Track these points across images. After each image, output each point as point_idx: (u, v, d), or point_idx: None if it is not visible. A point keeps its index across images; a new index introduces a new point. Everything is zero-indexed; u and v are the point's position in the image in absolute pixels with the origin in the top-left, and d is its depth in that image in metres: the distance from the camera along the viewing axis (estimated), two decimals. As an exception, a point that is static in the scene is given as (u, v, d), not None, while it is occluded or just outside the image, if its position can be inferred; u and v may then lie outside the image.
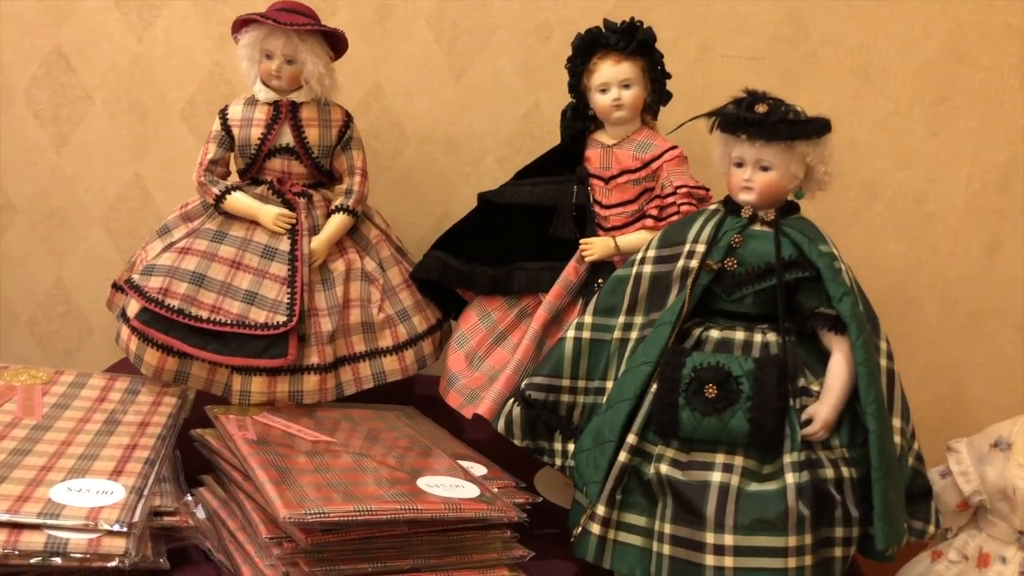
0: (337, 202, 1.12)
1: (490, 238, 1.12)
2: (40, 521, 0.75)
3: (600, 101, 1.05)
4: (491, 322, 1.11)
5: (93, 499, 0.79)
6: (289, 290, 1.05)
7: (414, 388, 1.31)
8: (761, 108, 0.85)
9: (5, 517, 0.74)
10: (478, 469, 0.98)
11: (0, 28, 1.39)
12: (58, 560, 0.73)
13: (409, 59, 1.35)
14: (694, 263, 0.88)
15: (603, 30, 1.05)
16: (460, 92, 1.36)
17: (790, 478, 0.79)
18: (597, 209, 1.07)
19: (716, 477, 0.81)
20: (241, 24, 1.08)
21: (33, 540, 0.73)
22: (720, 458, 0.82)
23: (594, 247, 1.04)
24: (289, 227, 1.08)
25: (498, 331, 1.10)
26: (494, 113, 1.37)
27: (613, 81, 1.04)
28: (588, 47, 1.06)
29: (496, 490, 0.91)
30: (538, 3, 1.31)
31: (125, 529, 0.76)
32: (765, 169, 0.87)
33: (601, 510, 0.85)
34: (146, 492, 0.83)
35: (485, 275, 1.11)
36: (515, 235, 1.10)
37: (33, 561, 0.73)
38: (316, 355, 1.05)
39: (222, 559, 0.85)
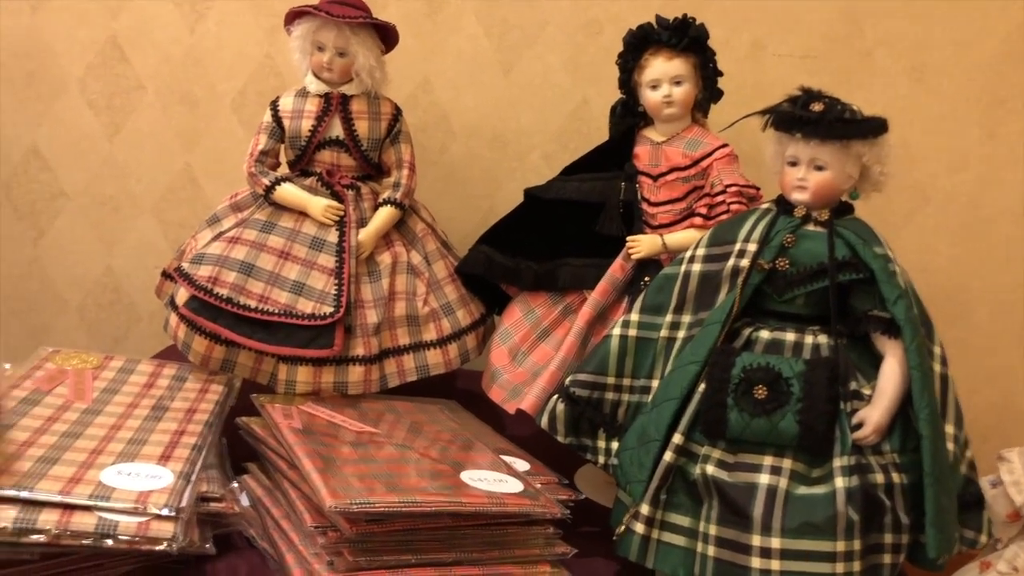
0: (385, 195, 1.13)
1: (536, 234, 1.11)
2: (91, 503, 0.76)
3: (651, 98, 1.04)
4: (535, 318, 1.11)
5: (142, 483, 0.80)
6: (336, 281, 1.05)
7: (455, 382, 1.31)
8: (817, 106, 0.84)
9: (58, 498, 0.75)
10: (521, 464, 0.98)
11: (56, 18, 1.41)
12: (108, 542, 0.74)
13: (458, 53, 1.36)
14: (745, 262, 0.87)
15: (655, 26, 1.04)
16: (508, 87, 1.36)
17: (840, 482, 0.78)
18: (645, 206, 1.06)
19: (764, 479, 0.80)
20: (294, 16, 1.08)
21: (84, 521, 0.74)
22: (768, 460, 0.81)
23: (641, 245, 1.04)
24: (337, 219, 1.09)
25: (542, 327, 1.10)
26: (542, 109, 1.37)
27: (664, 78, 1.03)
28: (640, 43, 1.05)
29: (539, 486, 0.91)
30: (588, -1, 1.31)
31: (173, 514, 0.77)
32: (820, 168, 0.86)
33: (645, 509, 0.84)
34: (193, 478, 0.84)
35: (530, 271, 1.10)
36: (561, 231, 1.10)
37: (84, 542, 0.74)
38: (361, 347, 1.05)
39: (266, 546, 0.85)
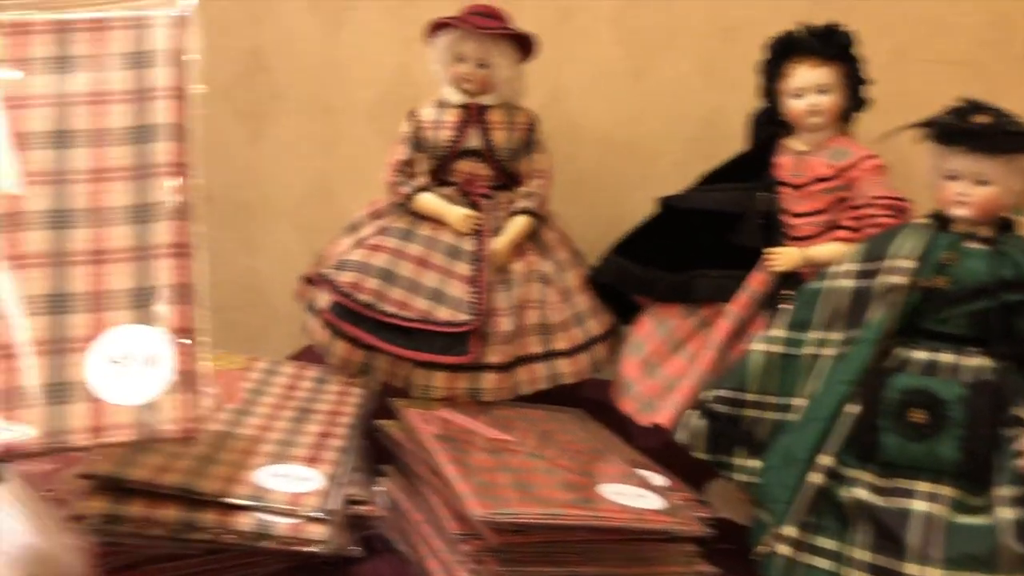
0: (520, 204, 1.14)
1: (670, 244, 1.10)
2: (250, 503, 0.79)
3: (794, 106, 1.02)
4: (668, 330, 1.09)
5: (294, 484, 0.83)
6: (472, 289, 1.07)
7: (580, 391, 1.31)
8: (982, 118, 0.81)
9: (220, 499, 0.78)
10: (657, 479, 0.97)
11: (203, 31, 1.47)
12: (265, 542, 0.77)
13: (589, 61, 1.35)
14: (898, 279, 0.84)
15: (801, 34, 1.02)
16: (639, 94, 1.35)
17: (1003, 513, 0.75)
18: (786, 218, 1.04)
19: (920, 506, 0.77)
20: (436, 28, 1.10)
21: (243, 521, 0.77)
22: (923, 486, 0.78)
23: (781, 257, 1.01)
24: (474, 228, 1.10)
25: (675, 339, 1.09)
26: (673, 116, 1.35)
27: (809, 87, 1.01)
28: (784, 50, 1.03)
29: (678, 501, 0.90)
30: (723, 4, 1.28)
31: (325, 516, 0.79)
32: (983, 183, 0.82)
33: (790, 531, 0.82)
34: (342, 480, 0.86)
35: (664, 281, 1.09)
36: (697, 242, 1.08)
37: (243, 542, 0.77)
38: (495, 354, 1.07)
39: (406, 549, 0.87)
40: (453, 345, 1.04)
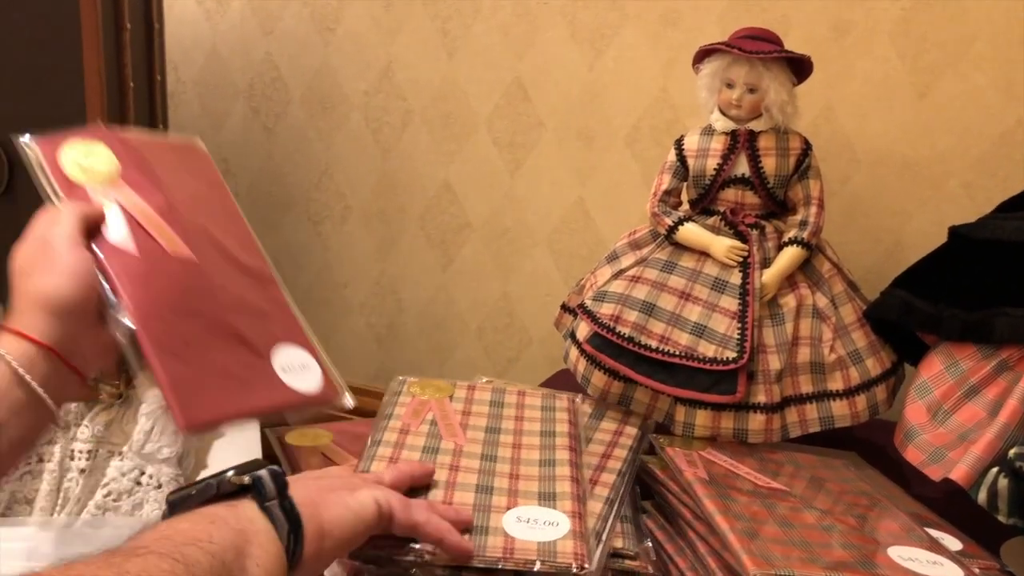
0: (791, 234, 1.07)
1: (965, 278, 0.99)
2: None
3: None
4: (960, 373, 0.99)
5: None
6: (739, 325, 1.02)
7: (852, 431, 1.22)
8: None
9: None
10: (951, 542, 0.87)
11: (469, 62, 1.53)
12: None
13: (866, 77, 1.26)
14: None
15: None
16: (923, 111, 1.24)
17: None
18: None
19: None
20: (704, 54, 1.07)
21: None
22: None
23: (1103, 296, 0.88)
24: (740, 260, 1.05)
25: (969, 384, 0.98)
26: (963, 133, 1.23)
27: None
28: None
29: (977, 571, 0.80)
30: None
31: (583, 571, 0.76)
32: None
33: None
34: (605, 536, 0.82)
35: (956, 319, 0.99)
36: (996, 276, 0.97)
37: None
38: (763, 394, 1.01)
39: (667, 597, 0.84)
40: (719, 383, 1.00)
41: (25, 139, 0.80)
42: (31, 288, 0.69)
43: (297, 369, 0.80)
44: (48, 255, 0.70)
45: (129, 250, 0.74)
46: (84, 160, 0.79)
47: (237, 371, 0.75)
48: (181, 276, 0.77)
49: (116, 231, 0.75)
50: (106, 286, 0.72)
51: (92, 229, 0.74)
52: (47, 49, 1.17)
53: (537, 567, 0.73)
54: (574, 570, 0.73)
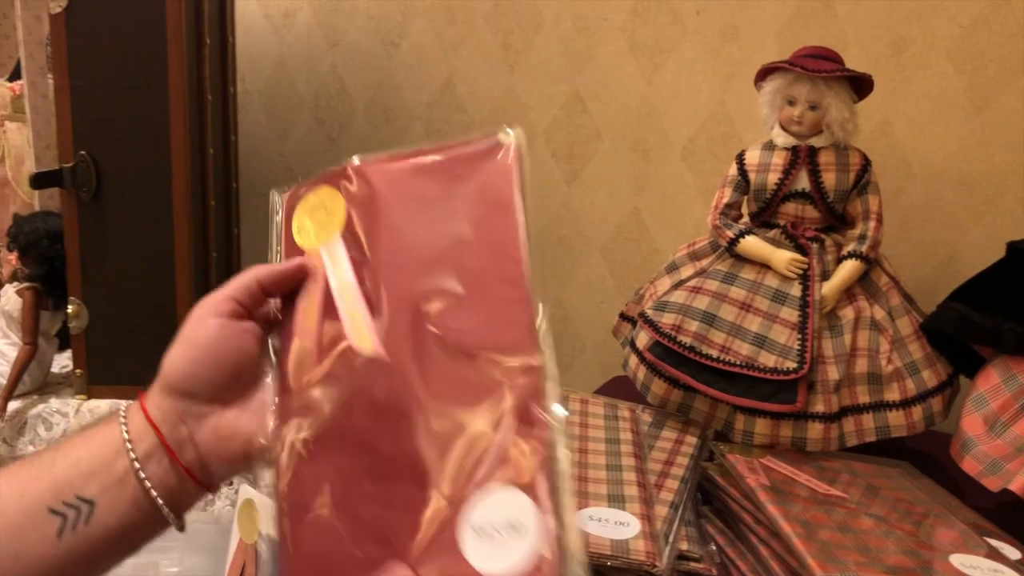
0: (850, 248, 1.10)
1: (1022, 292, 1.01)
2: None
3: None
4: (1018, 386, 1.00)
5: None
6: (800, 336, 1.05)
7: (906, 442, 1.24)
8: None
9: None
10: (1010, 551, 0.89)
11: (529, 75, 1.57)
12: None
13: (923, 92, 1.28)
14: None
15: None
16: (980, 126, 1.26)
17: None
18: None
19: None
20: (766, 72, 1.10)
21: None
22: None
23: None
24: (800, 272, 1.08)
25: (1026, 396, 1.00)
26: (1020, 149, 1.24)
27: None
28: None
29: (1034, 580, 0.82)
30: (1088, 26, 1.16)
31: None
32: None
33: None
34: (671, 537, 0.86)
35: (1014, 333, 1.00)
36: (1055, 291, 0.99)
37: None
38: (822, 403, 1.04)
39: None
40: (779, 392, 1.03)
41: (275, 198, 0.71)
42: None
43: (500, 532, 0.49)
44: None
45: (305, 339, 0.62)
46: (311, 216, 0.68)
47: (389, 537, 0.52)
48: (358, 385, 0.58)
49: (303, 306, 0.64)
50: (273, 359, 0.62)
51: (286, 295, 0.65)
52: (135, 62, 1.23)
53: (611, 562, 0.77)
54: (646, 567, 0.76)
